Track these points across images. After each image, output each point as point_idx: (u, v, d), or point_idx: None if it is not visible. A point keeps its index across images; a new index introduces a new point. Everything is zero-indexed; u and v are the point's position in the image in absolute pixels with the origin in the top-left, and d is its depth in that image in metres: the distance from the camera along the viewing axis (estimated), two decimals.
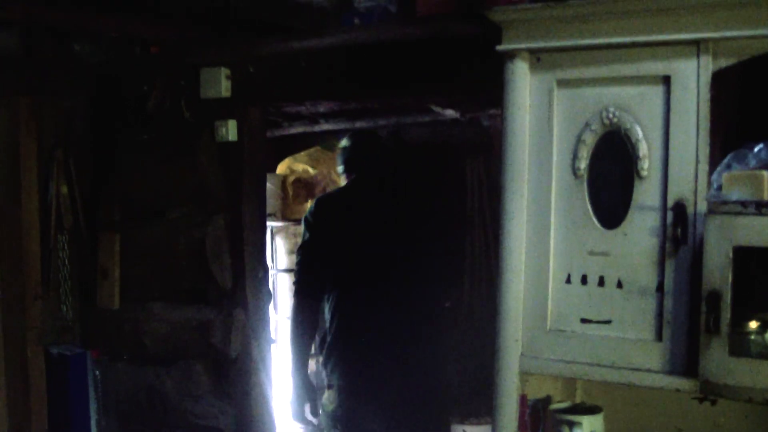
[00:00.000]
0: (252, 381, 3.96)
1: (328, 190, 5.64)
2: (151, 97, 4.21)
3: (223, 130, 3.93)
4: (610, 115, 2.59)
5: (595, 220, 2.62)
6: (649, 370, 2.53)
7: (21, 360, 4.09)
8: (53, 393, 4.16)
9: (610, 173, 2.63)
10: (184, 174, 4.13)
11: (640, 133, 2.54)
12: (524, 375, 2.73)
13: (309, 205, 5.59)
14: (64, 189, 4.26)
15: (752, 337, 2.45)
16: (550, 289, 2.67)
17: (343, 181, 4.38)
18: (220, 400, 4.04)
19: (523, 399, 2.74)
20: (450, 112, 5.00)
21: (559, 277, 2.67)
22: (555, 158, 2.67)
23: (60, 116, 4.28)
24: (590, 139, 2.62)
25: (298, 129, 5.94)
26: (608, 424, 2.86)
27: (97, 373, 4.17)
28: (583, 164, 2.63)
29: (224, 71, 3.99)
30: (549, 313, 2.68)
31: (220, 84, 3.96)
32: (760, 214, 2.31)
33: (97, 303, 4.34)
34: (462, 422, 5.51)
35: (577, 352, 2.63)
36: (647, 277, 2.54)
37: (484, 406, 5.22)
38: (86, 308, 4.39)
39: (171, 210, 4.16)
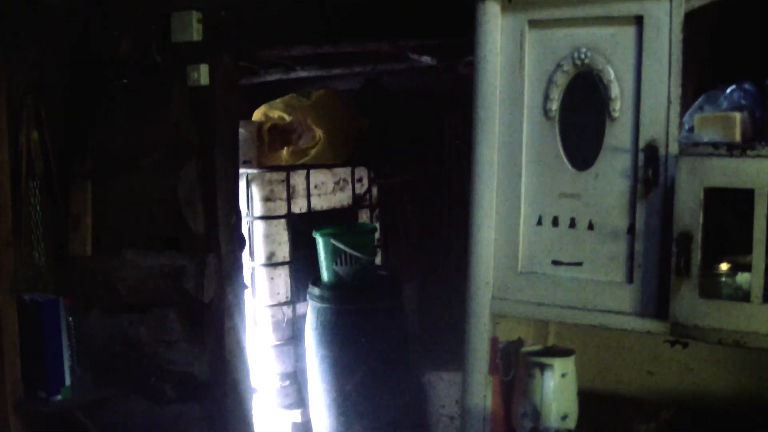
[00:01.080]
0: (226, 326, 3.95)
1: (304, 137, 5.61)
2: (122, 43, 4.15)
3: (195, 74, 3.89)
4: (582, 56, 2.57)
5: (566, 161, 2.61)
6: (620, 312, 2.53)
7: None
8: (26, 341, 4.13)
9: (581, 115, 2.61)
10: (156, 121, 4.09)
11: (612, 74, 2.53)
12: (495, 318, 2.74)
13: (285, 152, 5.59)
14: (35, 136, 4.21)
15: (723, 279, 2.46)
16: (521, 232, 2.67)
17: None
18: (195, 346, 4.03)
19: (494, 342, 2.75)
20: (426, 59, 4.96)
21: (531, 220, 2.66)
22: (526, 100, 2.66)
23: (30, 65, 4.21)
24: (562, 81, 2.61)
25: (273, 76, 5.87)
26: (580, 367, 2.86)
27: (71, 320, 4.15)
28: (554, 106, 2.62)
29: (195, 15, 3.94)
30: (520, 255, 2.67)
31: (191, 28, 3.91)
32: (731, 155, 2.30)
33: (69, 251, 4.31)
34: (438, 370, 5.54)
35: (549, 295, 2.63)
36: (618, 219, 2.54)
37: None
38: (59, 256, 4.36)
39: (143, 157, 4.13)
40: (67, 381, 4.13)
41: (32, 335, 4.11)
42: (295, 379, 5.74)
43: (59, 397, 4.10)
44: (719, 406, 2.85)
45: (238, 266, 4.08)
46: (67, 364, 4.15)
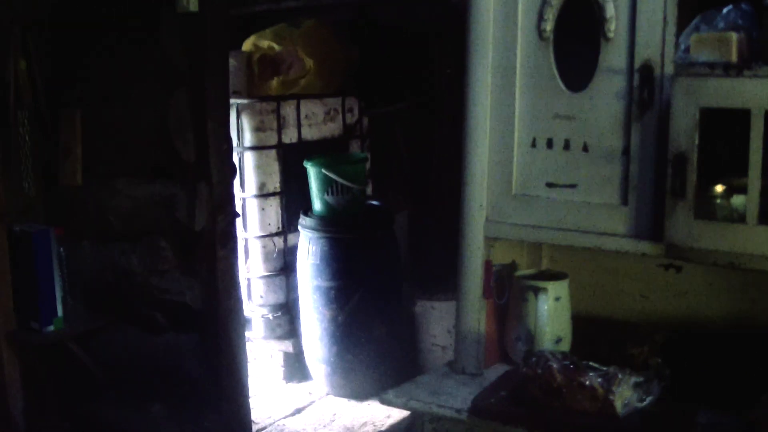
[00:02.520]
0: (218, 255, 3.92)
1: (294, 67, 5.57)
2: None
3: (184, 0, 3.82)
4: None
5: (560, 83, 2.59)
6: (615, 235, 2.53)
7: None
8: (17, 272, 4.11)
9: (576, 36, 2.58)
10: (145, 48, 4.03)
11: None
12: (489, 241, 2.72)
13: (275, 83, 5.54)
14: (23, 65, 4.15)
15: (718, 201, 2.45)
16: (515, 154, 2.65)
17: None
18: (187, 275, 4.01)
19: (488, 265, 2.74)
20: None
21: (525, 142, 2.64)
22: (520, 21, 2.62)
23: None
24: (556, 1, 2.57)
25: (262, 6, 5.82)
26: (573, 291, 2.87)
27: (62, 250, 4.12)
28: (549, 26, 2.58)
29: None
30: (514, 177, 2.66)
31: None
32: (728, 76, 2.28)
33: (59, 181, 4.28)
34: (430, 299, 5.55)
35: (543, 217, 2.62)
36: (613, 140, 2.52)
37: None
38: (49, 186, 4.33)
39: (133, 85, 4.08)
40: (60, 312, 4.11)
41: (23, 266, 4.09)
42: (287, 310, 5.76)
43: (51, 327, 4.09)
44: (713, 329, 2.85)
45: (229, 195, 4.04)
46: (59, 294, 4.13)
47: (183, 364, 4.06)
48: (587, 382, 2.39)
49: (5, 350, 4.12)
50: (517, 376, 2.55)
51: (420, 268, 5.80)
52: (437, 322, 5.58)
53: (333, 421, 5.23)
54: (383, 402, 2.51)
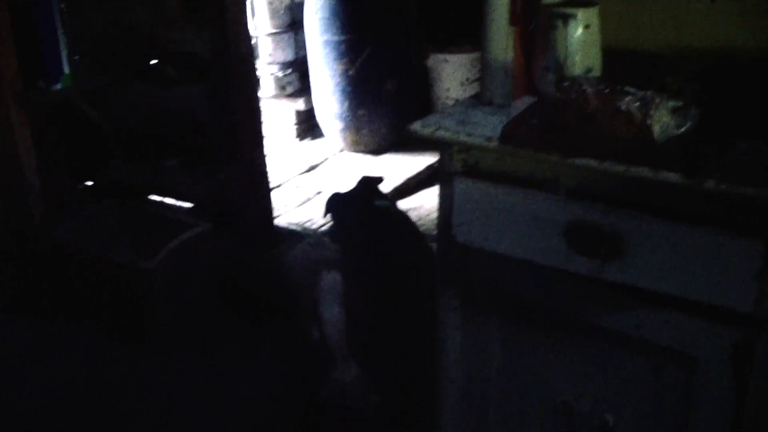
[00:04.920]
0: (226, 1, 3.74)
1: None
2: None
3: None
4: None
5: None
6: None
7: None
8: (19, 30, 3.93)
9: None
10: None
11: None
12: None
13: None
14: None
15: None
16: None
17: None
18: (194, 24, 3.85)
19: None
20: None
21: None
22: None
23: None
24: None
25: None
26: (603, 19, 2.69)
27: (63, 6, 3.93)
28: None
29: None
30: None
31: None
32: None
33: None
34: (443, 51, 5.40)
35: None
36: None
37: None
38: None
39: None
40: (66, 68, 3.96)
41: (25, 25, 3.91)
42: (297, 68, 5.61)
43: (59, 85, 3.95)
44: (746, 61, 2.70)
45: None
46: (64, 52, 3.97)
47: (195, 117, 3.94)
48: (623, 107, 2.25)
49: (14, 111, 3.99)
50: (547, 106, 2.41)
51: (432, 19, 5.59)
52: (451, 75, 5.44)
53: (347, 176, 5.15)
54: (410, 133, 2.36)
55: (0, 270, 3.94)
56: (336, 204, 3.50)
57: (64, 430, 3.23)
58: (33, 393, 3.42)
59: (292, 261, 4.12)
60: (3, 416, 3.30)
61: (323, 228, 4.40)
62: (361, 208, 3.41)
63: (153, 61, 4.00)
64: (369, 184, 3.53)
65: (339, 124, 5.35)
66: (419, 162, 5.21)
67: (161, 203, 4.29)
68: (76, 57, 4.00)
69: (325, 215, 3.59)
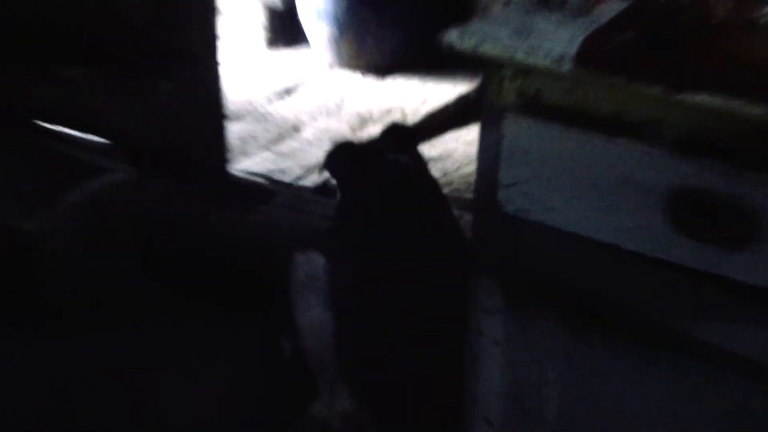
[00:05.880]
0: None
1: None
2: None
3: None
4: None
5: None
6: None
7: None
8: None
9: None
10: None
11: None
12: None
13: None
14: None
15: None
16: None
17: None
18: None
19: None
20: None
21: None
22: None
23: None
24: None
25: None
26: None
27: None
28: None
29: None
30: None
31: None
32: None
33: None
34: None
35: None
36: None
37: None
38: None
39: None
40: None
41: None
42: None
43: None
44: None
45: None
46: None
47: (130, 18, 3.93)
48: (763, 19, 2.21)
49: None
50: (649, 13, 2.36)
51: None
52: None
53: (339, 106, 5.11)
54: (445, 46, 2.31)
55: None
56: (343, 161, 3.43)
57: None
58: None
59: (254, 229, 4.08)
60: None
61: (310, 182, 4.37)
62: (381, 169, 3.34)
63: None
64: (399, 136, 3.49)
65: (330, 29, 5.34)
66: (446, 90, 5.19)
67: (67, 136, 4.26)
68: None
69: (322, 171, 3.54)
